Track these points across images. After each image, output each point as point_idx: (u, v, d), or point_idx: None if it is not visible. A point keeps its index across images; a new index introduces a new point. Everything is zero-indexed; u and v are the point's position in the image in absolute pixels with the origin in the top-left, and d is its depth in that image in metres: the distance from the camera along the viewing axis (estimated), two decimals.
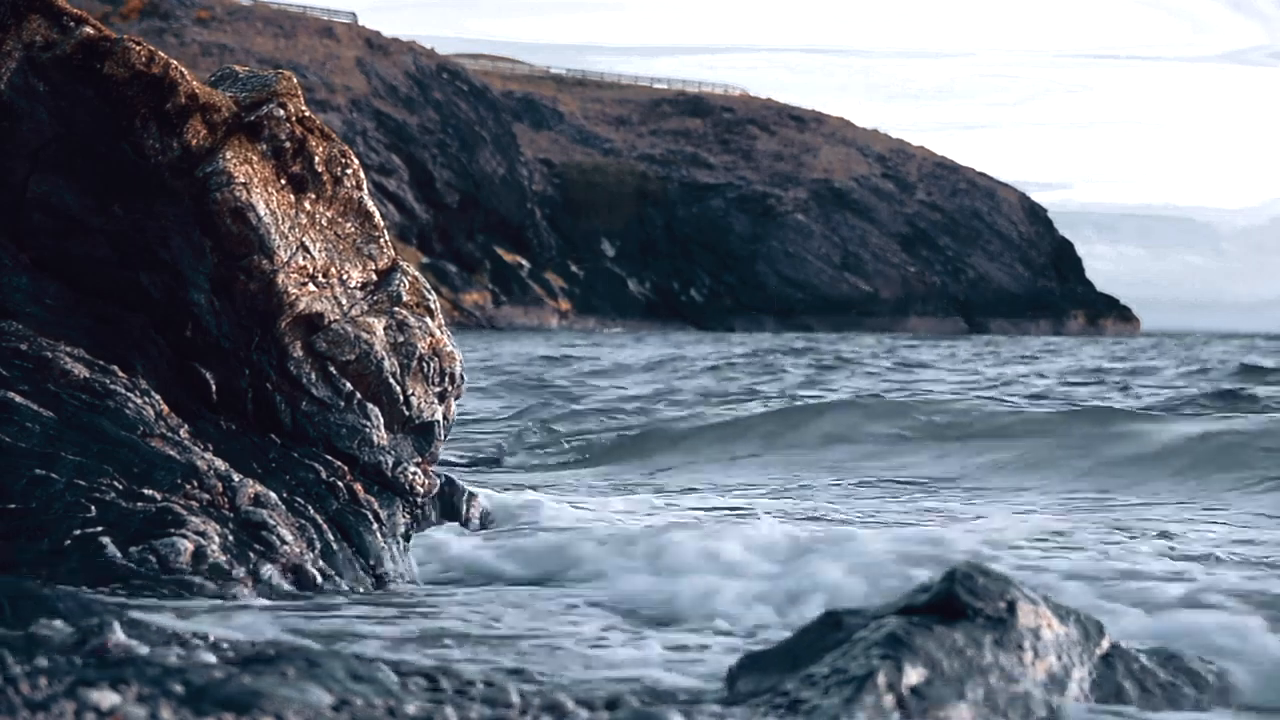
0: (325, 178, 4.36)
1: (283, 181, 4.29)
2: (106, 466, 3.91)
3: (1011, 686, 2.74)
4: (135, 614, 3.22)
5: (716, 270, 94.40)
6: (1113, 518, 5.90)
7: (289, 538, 3.99)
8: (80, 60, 4.16)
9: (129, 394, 4.13)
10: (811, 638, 2.91)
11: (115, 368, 4.19)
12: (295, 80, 4.49)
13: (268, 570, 3.87)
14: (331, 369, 4.31)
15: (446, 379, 4.53)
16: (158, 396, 4.19)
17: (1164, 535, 5.30)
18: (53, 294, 4.27)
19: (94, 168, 4.23)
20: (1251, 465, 7.56)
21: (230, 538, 3.89)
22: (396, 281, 4.47)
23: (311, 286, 4.30)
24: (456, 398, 4.61)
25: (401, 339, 4.42)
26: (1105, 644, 2.93)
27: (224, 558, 3.82)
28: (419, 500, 4.51)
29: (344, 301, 4.36)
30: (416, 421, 4.46)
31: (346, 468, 4.32)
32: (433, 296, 4.60)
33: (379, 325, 4.38)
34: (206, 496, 3.96)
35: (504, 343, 37.52)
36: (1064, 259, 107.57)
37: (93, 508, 3.80)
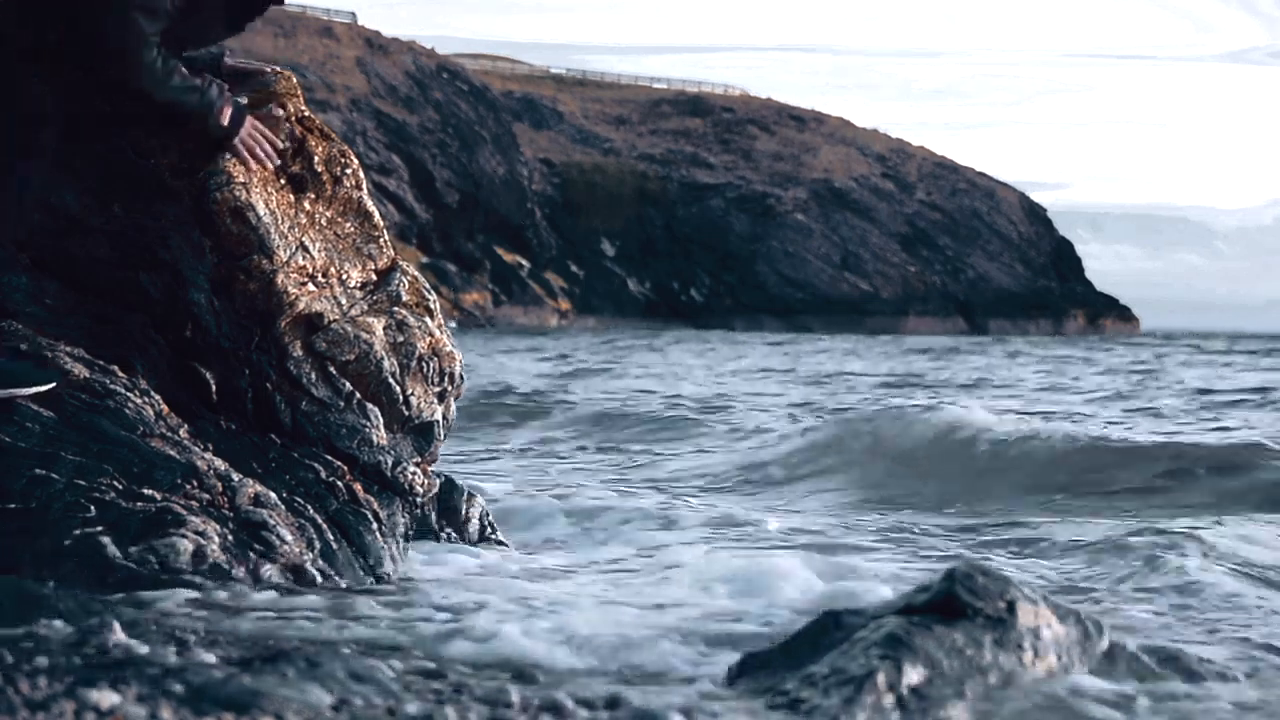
0: (325, 178, 4.36)
1: (282, 181, 4.29)
2: (106, 466, 3.91)
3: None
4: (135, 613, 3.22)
5: (716, 270, 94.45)
6: None
7: (289, 537, 3.99)
8: None
9: (129, 394, 4.13)
10: (811, 637, 2.92)
11: (115, 367, 4.19)
12: (295, 80, 4.49)
13: (267, 570, 3.87)
14: (331, 369, 4.31)
15: (446, 379, 4.53)
16: (157, 396, 4.19)
17: None
18: (53, 294, 4.27)
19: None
20: None
21: (230, 537, 3.89)
22: (396, 281, 4.47)
23: (311, 286, 4.30)
24: (456, 397, 4.61)
25: (401, 339, 4.42)
26: (1105, 643, 2.93)
27: (224, 557, 3.82)
28: (418, 500, 4.51)
29: (344, 301, 4.36)
30: (416, 421, 4.46)
31: (346, 467, 4.32)
32: (432, 296, 4.59)
33: (379, 325, 4.38)
34: (206, 496, 3.96)
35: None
36: (1064, 259, 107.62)
37: (92, 507, 3.80)
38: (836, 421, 9.20)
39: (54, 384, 4.01)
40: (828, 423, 9.31)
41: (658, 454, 9.22)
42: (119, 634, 2.56)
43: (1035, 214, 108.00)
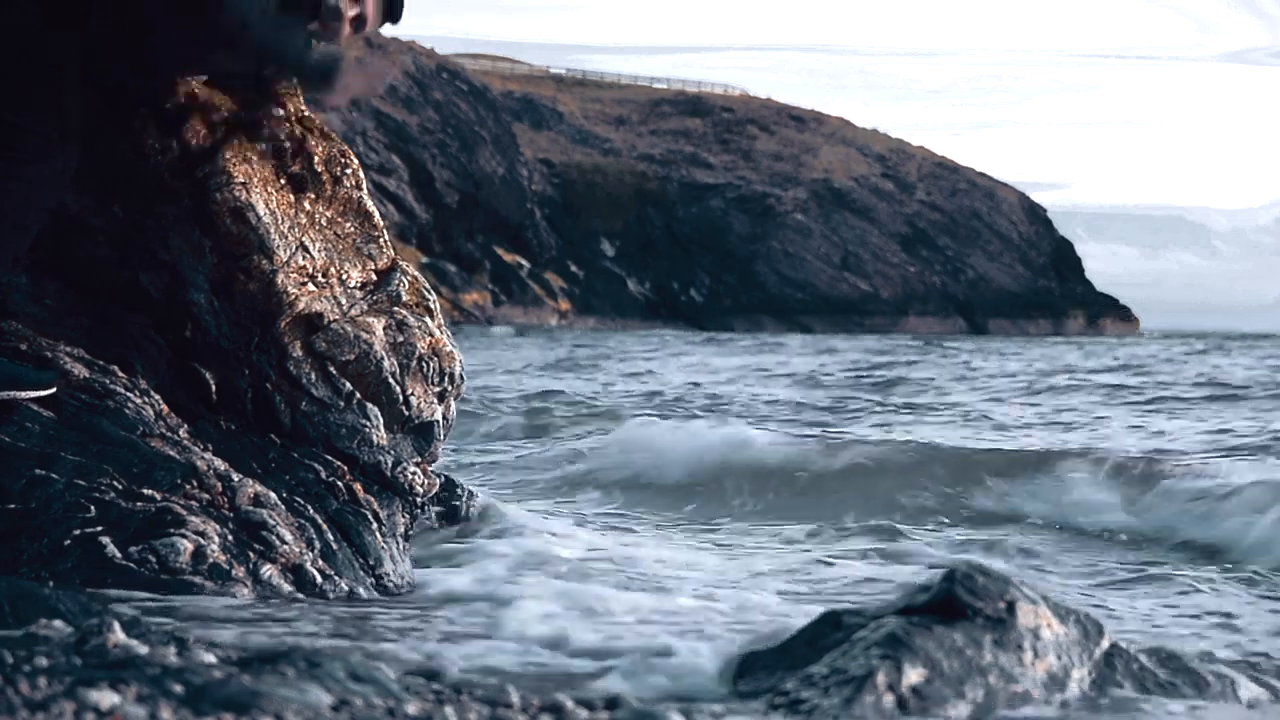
0: (325, 177, 4.36)
1: (282, 181, 4.29)
2: (106, 466, 3.91)
3: (1011, 686, 2.74)
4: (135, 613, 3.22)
5: (716, 270, 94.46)
6: None
7: (289, 537, 3.99)
8: None
9: (129, 394, 4.13)
10: (811, 637, 2.92)
11: (115, 368, 4.19)
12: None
13: (267, 570, 3.87)
14: (331, 369, 4.31)
15: (446, 379, 4.53)
16: (157, 396, 4.19)
17: None
18: (53, 294, 4.27)
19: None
20: None
21: (230, 537, 3.89)
22: (396, 281, 4.47)
23: (311, 286, 4.30)
24: (456, 397, 4.61)
25: (401, 339, 4.42)
26: (1105, 644, 2.93)
27: (224, 557, 3.82)
28: (418, 500, 4.51)
29: (343, 301, 4.36)
30: (416, 421, 4.46)
31: (346, 467, 4.32)
32: (432, 296, 4.59)
33: (378, 325, 4.38)
34: (206, 496, 3.96)
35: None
36: (1064, 259, 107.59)
37: (92, 507, 3.80)
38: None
39: (54, 390, 4.01)
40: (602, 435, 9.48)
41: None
42: (119, 634, 2.56)
43: (1035, 214, 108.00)
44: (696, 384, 18.22)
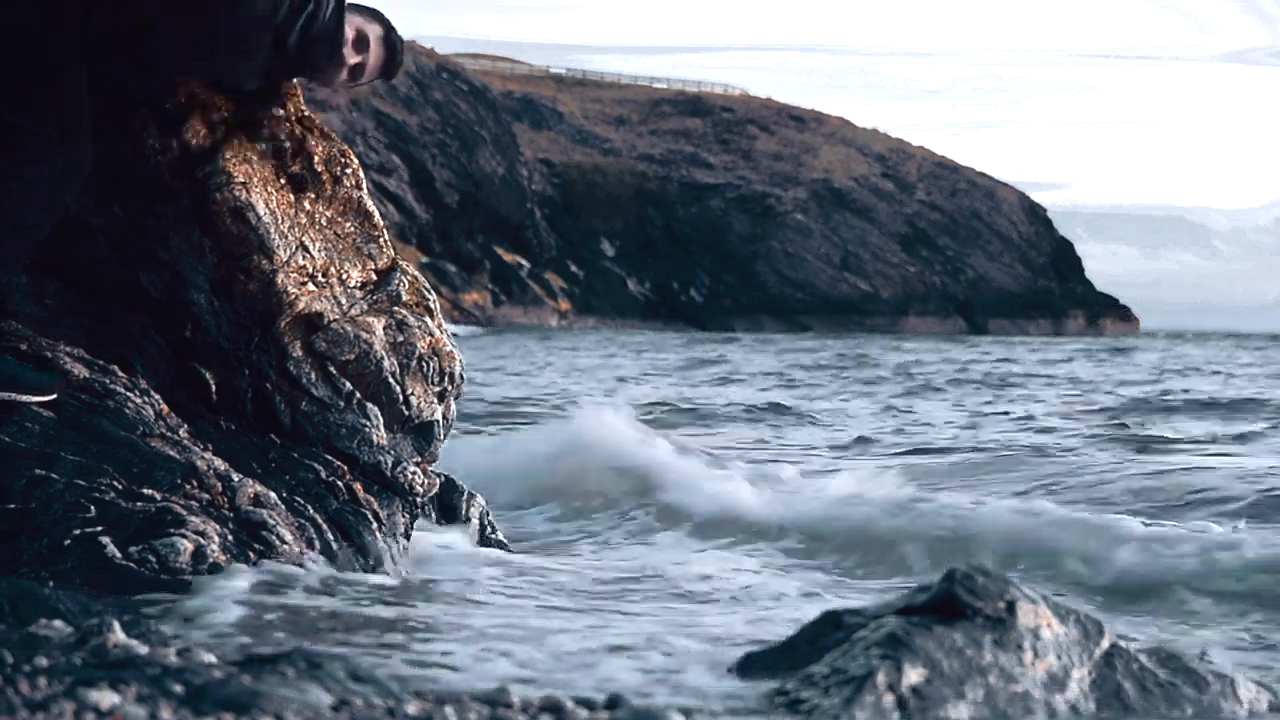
0: (325, 177, 4.36)
1: (282, 181, 4.29)
2: (106, 466, 3.91)
3: (1011, 686, 2.74)
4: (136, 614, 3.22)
5: (716, 270, 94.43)
6: None
7: (289, 537, 3.99)
8: None
9: (129, 394, 4.13)
10: (811, 637, 2.92)
11: (115, 368, 4.19)
12: (295, 79, 4.48)
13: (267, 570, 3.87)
14: (331, 369, 4.31)
15: (446, 379, 4.53)
16: (157, 396, 4.19)
17: None
18: (53, 294, 4.27)
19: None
20: None
21: (230, 537, 3.89)
22: (396, 281, 4.47)
23: (311, 286, 4.30)
24: (456, 397, 4.61)
25: (401, 339, 4.42)
26: (1105, 643, 2.93)
27: (224, 557, 3.82)
28: (418, 500, 4.51)
29: (343, 301, 4.36)
30: (416, 421, 4.46)
31: (346, 467, 4.32)
32: (432, 296, 4.59)
33: (378, 325, 4.38)
34: (206, 496, 3.96)
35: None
36: (1064, 259, 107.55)
37: (92, 507, 3.80)
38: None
39: (55, 396, 4.00)
40: None
41: None
42: (119, 634, 2.56)
43: (1035, 214, 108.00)
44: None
